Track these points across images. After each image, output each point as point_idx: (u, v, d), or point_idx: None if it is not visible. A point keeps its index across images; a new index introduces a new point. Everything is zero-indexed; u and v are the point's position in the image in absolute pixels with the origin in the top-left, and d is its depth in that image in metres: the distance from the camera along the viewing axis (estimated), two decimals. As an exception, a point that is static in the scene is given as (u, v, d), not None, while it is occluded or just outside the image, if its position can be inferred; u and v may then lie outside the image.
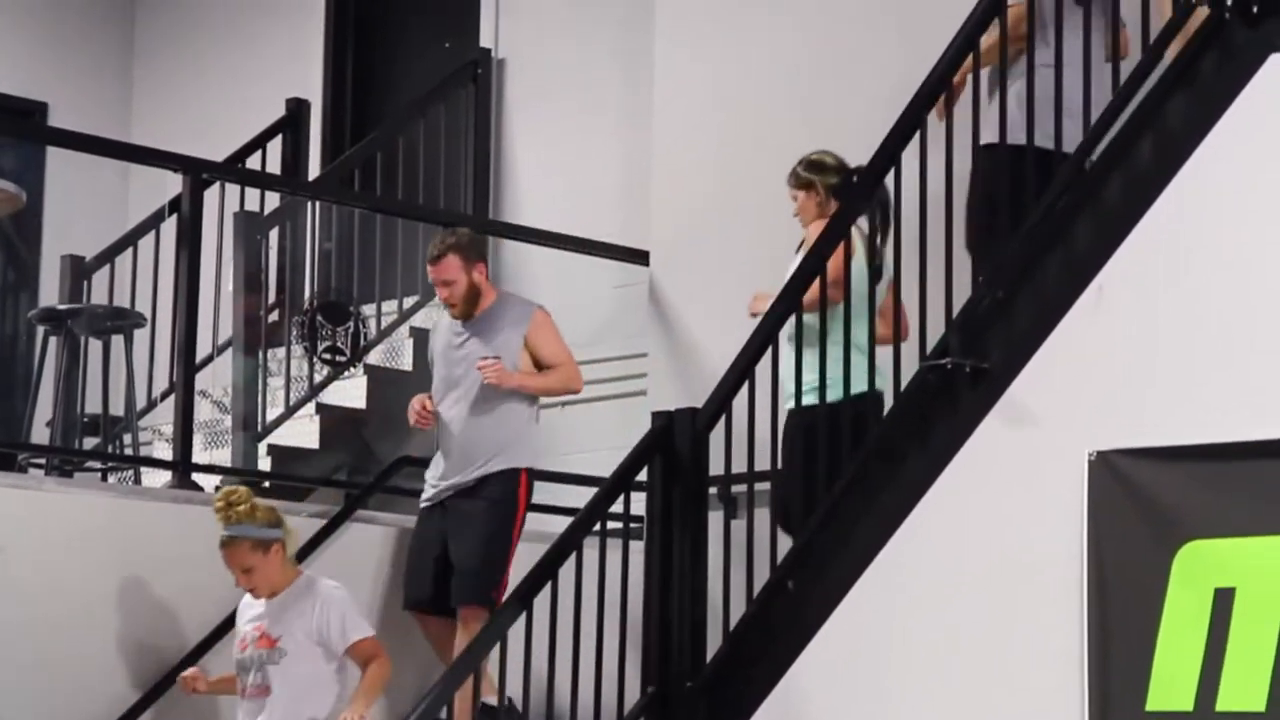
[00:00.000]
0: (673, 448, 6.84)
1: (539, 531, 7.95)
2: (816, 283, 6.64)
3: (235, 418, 8.25)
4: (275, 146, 10.05)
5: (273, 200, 9.14)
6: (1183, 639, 5.88)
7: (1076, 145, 6.37)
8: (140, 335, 8.63)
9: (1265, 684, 5.73)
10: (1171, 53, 6.34)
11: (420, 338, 9.09)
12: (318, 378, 8.80)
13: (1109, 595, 5.98)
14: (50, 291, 9.54)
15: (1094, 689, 5.96)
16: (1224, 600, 5.84)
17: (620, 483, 6.89)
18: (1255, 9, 6.21)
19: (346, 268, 9.25)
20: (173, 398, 7.91)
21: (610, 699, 6.77)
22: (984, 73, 6.56)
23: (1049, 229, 6.40)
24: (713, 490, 6.87)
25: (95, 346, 8.61)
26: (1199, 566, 5.90)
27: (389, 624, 7.35)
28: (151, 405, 8.77)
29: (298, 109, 10.18)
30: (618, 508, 6.90)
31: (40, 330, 8.85)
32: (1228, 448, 5.90)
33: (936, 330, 6.45)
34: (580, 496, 7.31)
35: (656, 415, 6.95)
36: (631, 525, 7.09)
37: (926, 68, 6.60)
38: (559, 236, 8.87)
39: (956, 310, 6.41)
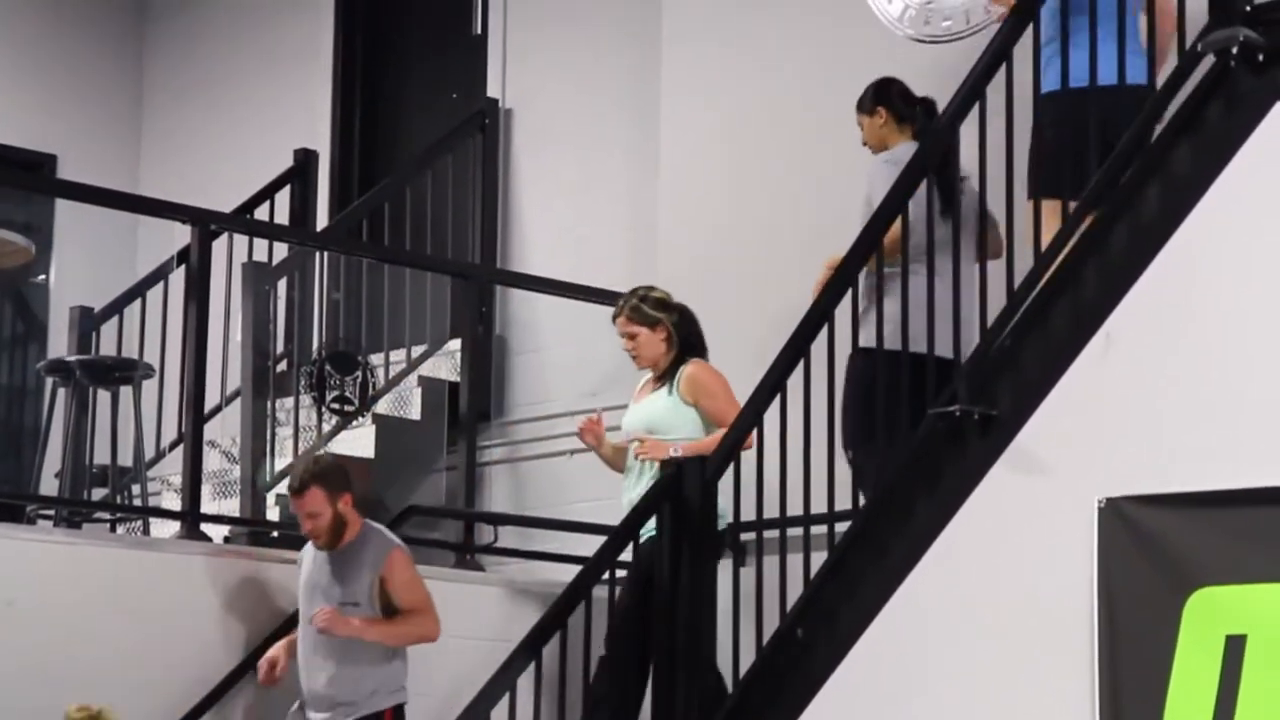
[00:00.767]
0: (681, 496, 6.83)
1: (548, 580, 7.96)
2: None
3: (244, 468, 8.25)
4: (283, 197, 10.08)
5: (281, 251, 9.17)
6: (1194, 687, 5.85)
7: (949, 349, 6.43)
8: (148, 386, 8.64)
9: (1277, 731, 5.72)
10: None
11: (429, 386, 9.10)
12: (326, 427, 8.81)
13: (1120, 643, 5.97)
14: (59, 343, 9.56)
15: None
16: (1235, 647, 5.82)
17: (629, 531, 6.89)
18: (1261, 57, 6.23)
19: (355, 317, 9.27)
20: (181, 448, 7.92)
21: (620, 749, 6.77)
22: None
23: (1056, 278, 6.42)
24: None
25: (104, 397, 8.63)
26: (1210, 613, 5.88)
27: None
28: (160, 456, 8.78)
29: (305, 160, 10.22)
30: (626, 556, 6.90)
31: (49, 381, 8.86)
32: (1237, 494, 5.89)
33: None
34: (588, 545, 7.31)
35: (665, 464, 6.96)
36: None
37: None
38: (567, 285, 8.89)
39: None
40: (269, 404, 8.37)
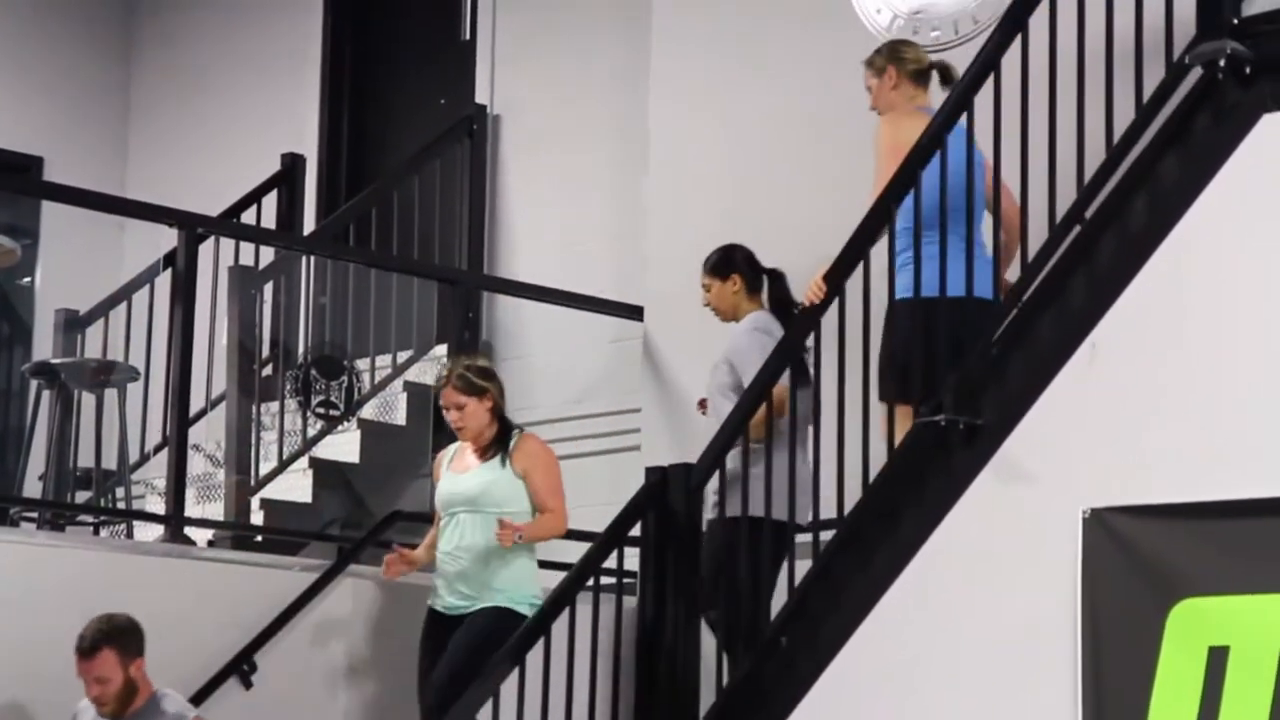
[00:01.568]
0: (666, 503, 6.83)
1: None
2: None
3: (228, 472, 8.23)
4: (270, 201, 10.07)
5: (267, 255, 9.16)
6: (1177, 697, 5.86)
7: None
8: (133, 389, 8.63)
9: (1259, 742, 5.72)
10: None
11: (414, 392, 9.10)
12: (311, 432, 8.80)
13: (1103, 653, 5.97)
14: (44, 345, 9.54)
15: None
16: (1218, 659, 5.82)
17: (614, 538, 6.88)
18: (1248, 69, 6.25)
19: (341, 322, 9.26)
20: (165, 452, 7.91)
21: (603, 756, 6.77)
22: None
23: (1043, 288, 6.42)
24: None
25: (89, 400, 8.61)
26: (1193, 624, 5.89)
27: (384, 675, 7.34)
28: (144, 459, 8.77)
29: (293, 164, 10.21)
30: (611, 563, 6.89)
31: (34, 384, 8.84)
32: (1222, 505, 5.90)
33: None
34: (574, 551, 7.30)
35: (650, 471, 6.96)
36: (625, 580, 7.08)
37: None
38: (554, 292, 8.89)
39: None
40: (254, 408, 8.36)
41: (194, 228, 7.90)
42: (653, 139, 8.72)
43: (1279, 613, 5.78)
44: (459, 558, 6.97)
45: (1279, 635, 5.76)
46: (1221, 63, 6.27)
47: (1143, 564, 5.99)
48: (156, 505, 8.45)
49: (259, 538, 8.12)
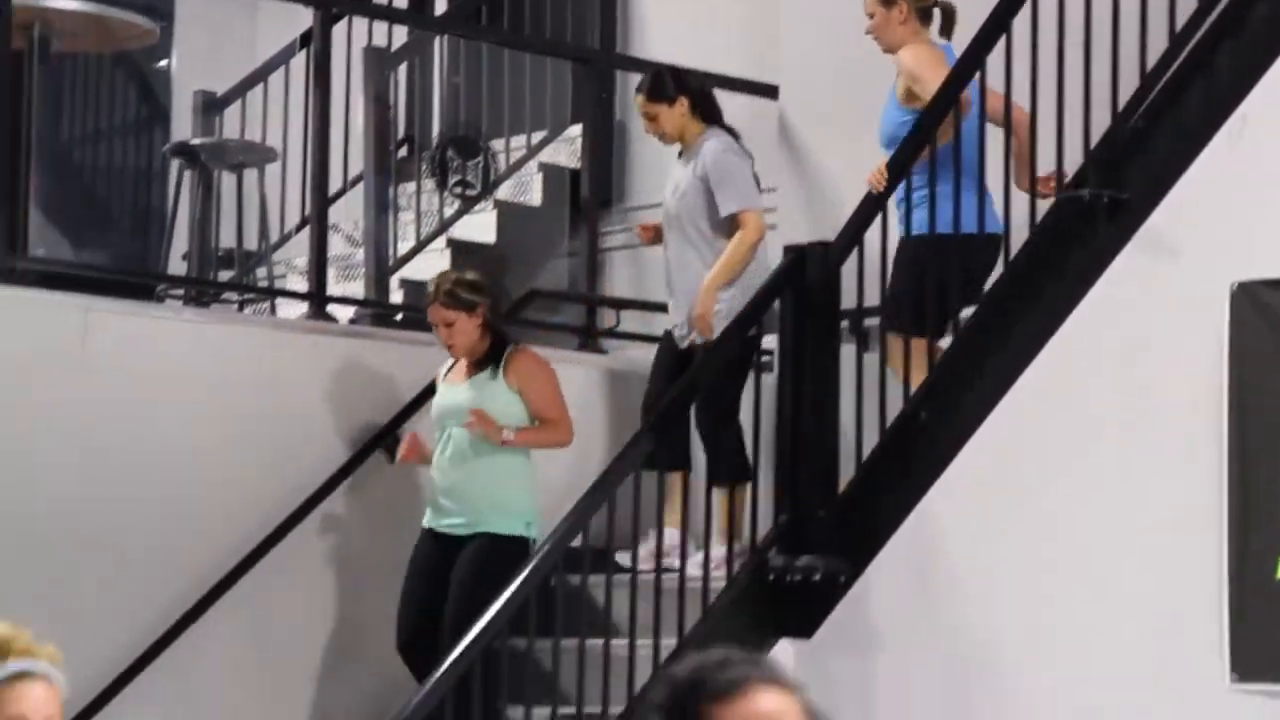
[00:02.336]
0: (804, 282, 6.82)
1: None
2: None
3: (367, 252, 8.29)
4: (404, -18, 10.01)
5: (400, 35, 9.14)
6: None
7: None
8: (271, 170, 8.69)
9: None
10: None
11: (550, 173, 9.10)
12: (448, 212, 8.83)
13: (1249, 429, 5.94)
14: (182, 126, 9.60)
15: (1234, 523, 5.93)
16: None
17: (751, 317, 6.90)
18: None
19: (475, 102, 9.26)
20: (304, 232, 7.95)
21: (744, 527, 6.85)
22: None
23: (1189, 61, 6.31)
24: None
25: (228, 181, 8.69)
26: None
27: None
28: (285, 239, 8.85)
29: (427, -57, 10.13)
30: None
31: (174, 164, 8.93)
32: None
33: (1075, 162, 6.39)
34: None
35: (788, 249, 6.93)
36: (763, 359, 7.11)
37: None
38: (687, 71, 8.80)
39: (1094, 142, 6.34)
40: (391, 189, 8.40)
41: (329, 8, 7.90)
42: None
43: None
44: (449, 472, 6.81)
45: None
46: None
47: (1291, 338, 5.94)
48: (298, 284, 8.55)
49: (399, 316, 8.20)
